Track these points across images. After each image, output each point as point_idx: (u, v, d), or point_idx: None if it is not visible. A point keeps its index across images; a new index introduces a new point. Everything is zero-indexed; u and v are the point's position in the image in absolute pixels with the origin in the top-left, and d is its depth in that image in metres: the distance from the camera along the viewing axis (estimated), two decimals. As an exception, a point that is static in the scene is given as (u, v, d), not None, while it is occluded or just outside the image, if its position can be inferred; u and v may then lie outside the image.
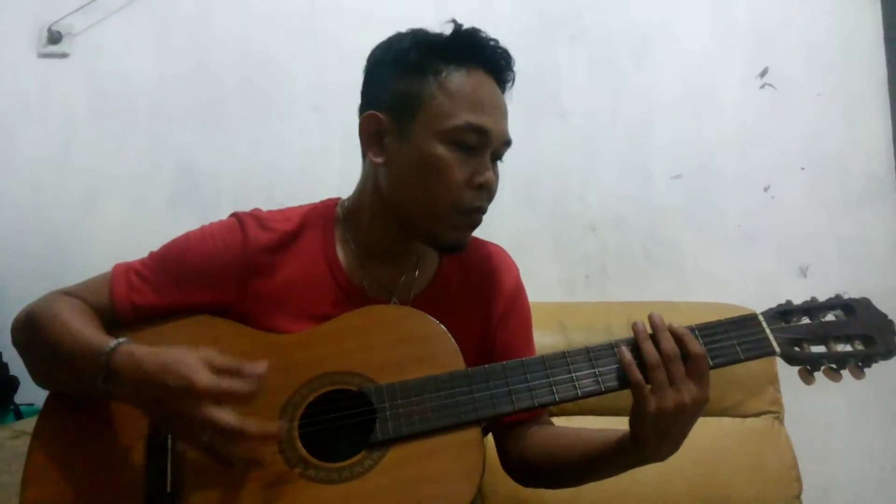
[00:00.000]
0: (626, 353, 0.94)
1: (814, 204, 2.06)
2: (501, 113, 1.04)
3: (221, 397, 0.84)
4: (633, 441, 0.96)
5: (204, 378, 0.84)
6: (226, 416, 0.84)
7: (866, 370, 0.96)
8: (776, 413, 1.75)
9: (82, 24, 2.00)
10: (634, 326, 0.96)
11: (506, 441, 1.16)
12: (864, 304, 1.00)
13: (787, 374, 1.72)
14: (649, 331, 0.95)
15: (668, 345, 0.92)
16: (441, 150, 0.99)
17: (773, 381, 1.75)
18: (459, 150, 1.00)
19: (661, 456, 0.96)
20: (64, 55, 2.01)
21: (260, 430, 0.86)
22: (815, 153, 2.07)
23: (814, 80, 2.10)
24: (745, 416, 1.73)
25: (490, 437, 1.18)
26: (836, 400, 1.95)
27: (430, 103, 1.00)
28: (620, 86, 2.10)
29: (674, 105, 2.09)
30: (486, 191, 1.02)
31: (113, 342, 0.92)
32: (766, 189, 2.07)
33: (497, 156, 1.05)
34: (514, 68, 1.07)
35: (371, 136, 1.05)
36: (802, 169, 2.07)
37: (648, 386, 0.92)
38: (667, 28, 2.11)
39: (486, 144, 1.01)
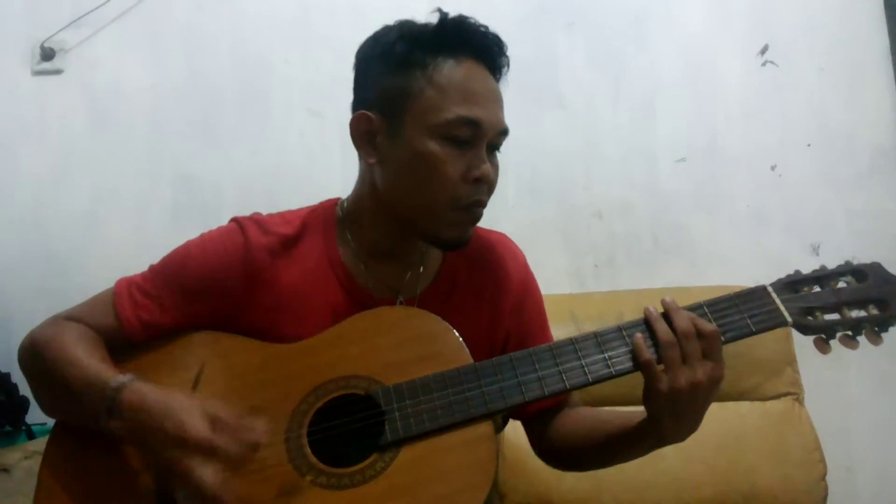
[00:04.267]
0: (638, 333, 0.93)
1: (822, 180, 2.04)
2: (494, 102, 1.00)
3: (211, 454, 0.83)
4: (650, 422, 0.94)
5: (195, 429, 0.83)
6: (206, 475, 0.82)
7: (883, 335, 0.93)
8: (796, 394, 1.73)
9: (74, 39, 1.99)
10: (646, 310, 0.94)
11: (534, 428, 1.16)
12: (876, 268, 0.97)
13: (806, 354, 1.71)
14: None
15: (683, 323, 0.90)
16: (434, 146, 0.96)
17: (791, 361, 1.73)
18: (453, 144, 0.96)
19: (680, 436, 0.94)
20: (58, 71, 2.00)
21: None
22: (821, 129, 2.05)
23: (815, 54, 2.07)
24: (764, 398, 1.71)
25: (512, 429, 1.18)
26: (856, 378, 1.92)
27: (420, 98, 0.97)
28: (620, 71, 2.08)
29: (675, 88, 2.07)
30: (484, 184, 0.99)
31: (121, 378, 0.91)
32: (773, 167, 2.04)
33: (494, 146, 1.02)
34: (508, 53, 1.03)
35: (362, 136, 1.02)
36: (809, 145, 2.04)
37: (661, 366, 0.90)
38: (664, 10, 2.09)
39: (480, 136, 0.97)
